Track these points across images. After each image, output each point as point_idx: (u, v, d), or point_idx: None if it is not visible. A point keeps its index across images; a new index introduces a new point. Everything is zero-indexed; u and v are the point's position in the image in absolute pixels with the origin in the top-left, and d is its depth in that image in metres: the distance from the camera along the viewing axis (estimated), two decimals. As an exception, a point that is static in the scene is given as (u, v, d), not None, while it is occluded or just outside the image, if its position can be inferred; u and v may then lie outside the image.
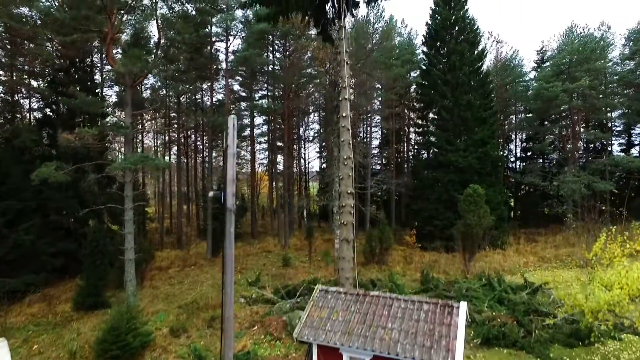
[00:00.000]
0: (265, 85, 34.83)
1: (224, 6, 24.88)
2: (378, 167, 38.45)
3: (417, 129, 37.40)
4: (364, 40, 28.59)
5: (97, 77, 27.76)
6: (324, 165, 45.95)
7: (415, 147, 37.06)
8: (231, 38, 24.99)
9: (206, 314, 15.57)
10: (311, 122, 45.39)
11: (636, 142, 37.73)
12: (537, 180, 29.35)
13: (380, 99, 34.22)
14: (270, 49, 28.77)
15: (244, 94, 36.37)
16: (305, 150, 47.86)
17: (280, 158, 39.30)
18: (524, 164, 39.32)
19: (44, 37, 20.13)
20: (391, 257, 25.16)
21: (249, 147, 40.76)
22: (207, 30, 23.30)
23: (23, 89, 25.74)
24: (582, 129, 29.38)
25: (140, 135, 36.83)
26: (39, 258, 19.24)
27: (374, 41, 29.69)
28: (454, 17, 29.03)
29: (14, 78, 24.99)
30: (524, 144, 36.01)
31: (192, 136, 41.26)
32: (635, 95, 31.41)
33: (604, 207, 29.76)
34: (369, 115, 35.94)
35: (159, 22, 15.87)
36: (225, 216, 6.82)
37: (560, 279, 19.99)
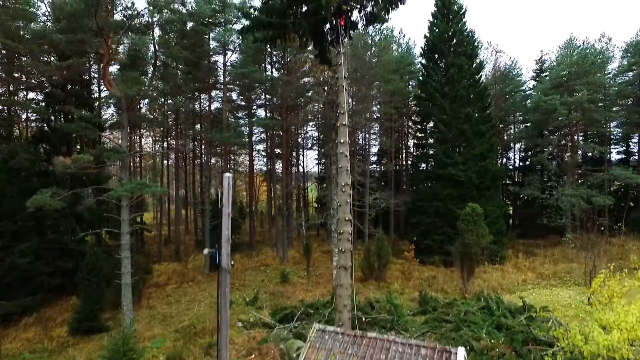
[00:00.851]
0: (264, 94, 34.77)
1: (221, 20, 24.85)
2: (376, 174, 38.44)
3: (415, 141, 37.34)
4: (362, 51, 28.46)
5: (95, 86, 27.81)
6: (323, 171, 46.08)
7: (414, 158, 36.91)
8: (229, 53, 24.90)
9: (203, 340, 15.47)
10: (310, 129, 45.37)
11: (634, 150, 37.81)
12: (536, 193, 29.30)
13: (378, 106, 34.24)
14: (269, 59, 28.66)
15: (242, 103, 36.36)
16: (304, 157, 47.81)
17: (278, 164, 39.25)
18: (522, 173, 39.36)
19: (40, 56, 19.98)
20: (389, 271, 25.10)
21: (247, 155, 40.90)
22: (204, 46, 23.15)
23: (19, 104, 25.66)
24: (580, 141, 29.29)
25: (138, 140, 36.60)
26: (36, 278, 19.13)
27: (372, 52, 29.58)
28: (452, 30, 28.98)
29: (11, 89, 24.92)
30: (523, 154, 35.99)
31: (191, 143, 41.14)
32: (633, 108, 31.45)
33: (602, 220, 29.79)
34: (368, 124, 35.78)
35: (156, 44, 15.76)
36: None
37: (559, 298, 19.96)
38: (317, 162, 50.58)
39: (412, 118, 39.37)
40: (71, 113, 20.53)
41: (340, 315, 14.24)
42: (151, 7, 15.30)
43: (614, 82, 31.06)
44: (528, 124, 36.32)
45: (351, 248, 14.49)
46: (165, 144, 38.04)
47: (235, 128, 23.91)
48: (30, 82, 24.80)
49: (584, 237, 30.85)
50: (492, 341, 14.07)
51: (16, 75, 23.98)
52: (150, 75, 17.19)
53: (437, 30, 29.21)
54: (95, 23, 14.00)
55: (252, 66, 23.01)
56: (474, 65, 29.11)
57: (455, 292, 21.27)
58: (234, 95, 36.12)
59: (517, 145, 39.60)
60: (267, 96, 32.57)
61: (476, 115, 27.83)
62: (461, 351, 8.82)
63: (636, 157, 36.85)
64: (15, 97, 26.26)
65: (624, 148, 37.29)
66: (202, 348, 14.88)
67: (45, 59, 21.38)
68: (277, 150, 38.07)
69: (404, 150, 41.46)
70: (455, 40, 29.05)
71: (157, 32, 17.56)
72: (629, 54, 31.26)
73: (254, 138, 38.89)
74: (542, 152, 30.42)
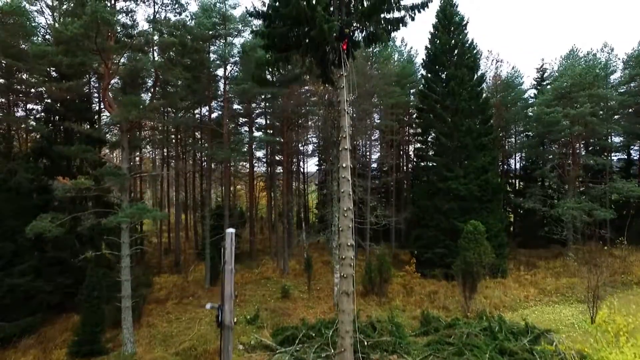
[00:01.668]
0: (264, 102, 34.62)
1: (222, 32, 24.70)
2: (377, 181, 38.26)
3: (416, 152, 37.22)
4: (362, 64, 28.27)
5: (96, 98, 27.64)
6: (322, 176, 46.00)
7: (414, 171, 36.80)
8: (229, 67, 24.78)
9: (204, 365, 15.38)
10: (310, 135, 45.19)
11: (635, 157, 37.71)
12: (538, 205, 29.19)
13: (378, 119, 34.13)
14: (269, 73, 28.47)
15: (242, 111, 36.21)
16: (304, 163, 47.69)
17: (279, 168, 39.07)
18: (523, 182, 39.24)
19: (40, 73, 19.87)
20: (390, 286, 25.00)
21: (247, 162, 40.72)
22: (204, 61, 23.01)
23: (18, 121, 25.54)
24: (582, 153, 29.17)
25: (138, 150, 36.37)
26: (36, 297, 19.01)
27: (373, 63, 29.43)
28: (453, 42, 28.88)
29: (10, 100, 24.80)
30: (524, 162, 35.81)
31: (191, 159, 40.98)
32: (633, 118, 31.39)
33: (604, 233, 29.73)
34: (369, 134, 35.62)
35: (156, 66, 15.63)
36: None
37: (562, 317, 19.86)
38: (317, 167, 50.72)
39: (413, 125, 39.37)
40: (71, 128, 20.49)
41: (342, 342, 14.13)
42: (151, 29, 15.20)
43: (616, 93, 30.87)
44: (529, 133, 36.24)
45: (353, 273, 14.38)
46: (165, 166, 37.92)
47: (236, 143, 23.73)
48: (29, 91, 24.65)
49: (585, 248, 31.03)
50: (496, 368, 13.97)
51: (16, 87, 23.91)
52: (150, 96, 17.08)
53: (438, 42, 29.09)
54: (95, 46, 13.89)
55: (252, 82, 22.83)
56: (475, 77, 29.01)
57: (457, 309, 21.17)
58: (235, 105, 36.10)
59: (518, 155, 39.47)
60: (267, 104, 32.55)
61: (477, 127, 27.73)
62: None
63: (637, 166, 36.82)
64: (15, 109, 26.24)
65: (625, 157, 37.22)
66: (203, 374, 14.79)
67: (45, 76, 21.26)
68: (278, 157, 38.01)
69: (404, 157, 41.37)
70: (456, 52, 28.94)
71: (157, 49, 17.47)
72: (631, 65, 31.19)
73: (254, 144, 38.88)
74: (544, 164, 30.29)
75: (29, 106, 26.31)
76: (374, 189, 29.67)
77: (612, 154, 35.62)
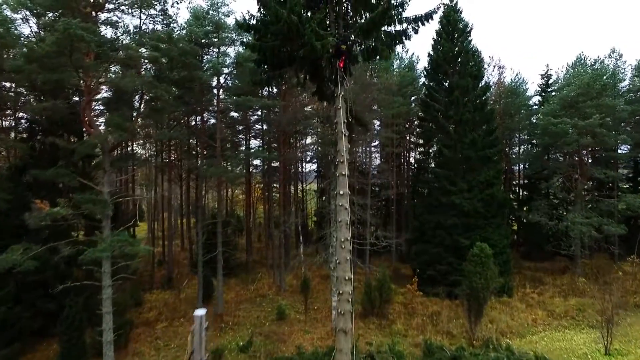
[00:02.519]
0: (260, 110, 33.48)
1: (215, 40, 23.58)
2: (376, 188, 37.10)
3: (417, 163, 36.08)
4: (361, 73, 27.11)
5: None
6: (321, 184, 44.96)
7: (415, 180, 35.63)
8: (224, 76, 23.65)
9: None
10: (309, 140, 44.05)
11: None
12: (544, 219, 28.05)
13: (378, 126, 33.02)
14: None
15: (238, 118, 35.06)
16: (303, 170, 46.54)
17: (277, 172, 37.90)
18: (527, 191, 38.07)
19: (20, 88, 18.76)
20: (391, 305, 23.91)
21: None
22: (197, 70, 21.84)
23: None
24: (590, 166, 27.99)
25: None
26: (15, 325, 17.90)
27: (371, 72, 28.29)
28: (456, 49, 27.72)
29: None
30: (526, 169, 34.53)
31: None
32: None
33: (613, 249, 28.64)
34: (368, 142, 34.50)
35: (142, 84, 14.50)
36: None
37: (573, 345, 18.74)
38: (316, 174, 49.62)
39: (415, 133, 38.26)
40: (55, 145, 19.36)
41: (340, 385, 13.05)
42: (134, 43, 14.07)
43: (623, 101, 29.67)
44: (534, 141, 35.09)
45: (351, 310, 13.27)
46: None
47: (229, 158, 22.55)
48: (18, 98, 23.43)
49: (593, 263, 29.92)
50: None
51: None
52: (136, 114, 15.98)
53: (441, 49, 27.92)
54: (71, 65, 12.79)
55: (246, 95, 21.72)
56: (480, 86, 27.87)
57: (462, 334, 20.06)
58: (232, 112, 34.95)
59: (522, 164, 38.30)
60: (264, 112, 31.41)
61: (482, 139, 26.60)
62: None
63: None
64: (3, 118, 25.10)
65: (632, 167, 36.03)
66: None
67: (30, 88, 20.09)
68: (275, 163, 36.85)
69: (405, 165, 40.21)
70: (460, 60, 27.78)
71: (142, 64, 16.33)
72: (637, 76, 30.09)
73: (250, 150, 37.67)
74: (550, 176, 29.11)
75: (19, 114, 25.16)
76: (374, 206, 28.40)
77: (619, 165, 34.48)
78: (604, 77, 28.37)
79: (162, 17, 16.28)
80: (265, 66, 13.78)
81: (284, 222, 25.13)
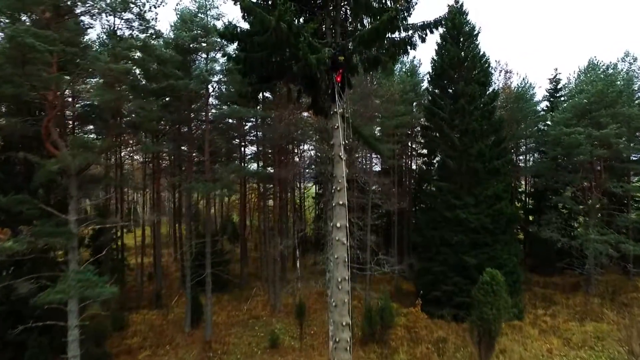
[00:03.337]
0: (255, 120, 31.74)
1: (204, 44, 21.87)
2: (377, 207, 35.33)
3: (420, 174, 34.35)
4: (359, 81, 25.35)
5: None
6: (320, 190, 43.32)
7: (417, 191, 33.95)
8: (212, 86, 21.97)
9: None
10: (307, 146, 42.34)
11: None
12: (556, 235, 26.36)
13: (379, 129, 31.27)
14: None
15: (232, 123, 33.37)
16: (300, 181, 44.97)
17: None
18: (533, 200, 36.38)
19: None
20: (393, 330, 22.25)
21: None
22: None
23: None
24: (605, 179, 26.27)
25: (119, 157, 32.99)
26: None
27: (372, 79, 26.55)
28: (462, 54, 26.03)
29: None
30: (537, 183, 32.74)
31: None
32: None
33: (630, 267, 27.03)
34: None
35: (107, 96, 12.76)
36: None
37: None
38: (314, 181, 48.02)
39: (417, 139, 36.61)
40: (27, 160, 17.65)
41: None
42: (104, 53, 12.34)
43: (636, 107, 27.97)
44: (542, 149, 33.37)
45: (350, 358, 11.60)
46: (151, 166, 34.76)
47: (218, 172, 20.81)
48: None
49: (607, 280, 28.26)
50: None
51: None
52: (110, 130, 14.29)
53: (446, 54, 26.23)
54: (25, 77, 11.09)
55: (240, 103, 19.98)
56: (487, 93, 26.20)
57: (471, 367, 18.44)
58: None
59: (529, 173, 36.58)
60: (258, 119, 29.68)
61: (490, 150, 24.93)
62: None
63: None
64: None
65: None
66: None
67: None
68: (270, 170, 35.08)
69: (407, 174, 38.49)
70: (466, 65, 26.09)
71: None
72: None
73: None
74: (562, 189, 27.38)
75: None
76: (374, 224, 26.62)
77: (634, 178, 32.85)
78: (617, 81, 26.71)
79: (139, 22, 14.53)
80: (252, 77, 12.09)
81: (280, 242, 23.37)
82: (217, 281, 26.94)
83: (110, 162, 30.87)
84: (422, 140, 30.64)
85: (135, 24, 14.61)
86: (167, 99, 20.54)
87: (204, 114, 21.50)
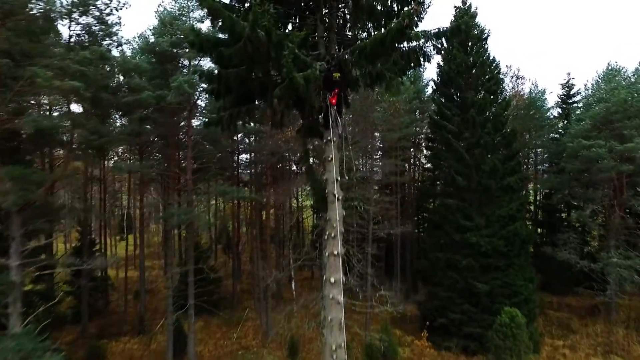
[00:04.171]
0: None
1: (186, 50, 19.67)
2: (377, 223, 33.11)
3: (424, 190, 32.11)
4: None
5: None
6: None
7: (421, 206, 31.78)
8: (195, 99, 19.76)
9: None
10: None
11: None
12: (574, 257, 24.17)
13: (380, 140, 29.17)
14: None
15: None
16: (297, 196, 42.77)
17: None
18: (543, 213, 34.14)
19: None
20: (396, 363, 20.10)
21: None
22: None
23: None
24: (630, 196, 24.05)
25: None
26: None
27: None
28: (471, 60, 23.85)
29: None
30: (552, 199, 30.36)
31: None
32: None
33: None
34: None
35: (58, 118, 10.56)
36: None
37: None
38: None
39: (421, 149, 34.54)
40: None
41: None
42: (43, 72, 10.09)
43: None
44: (555, 161, 31.10)
45: None
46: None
47: (201, 194, 18.67)
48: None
49: (630, 304, 26.10)
50: None
51: None
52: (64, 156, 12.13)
53: (453, 60, 24.01)
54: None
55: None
56: (498, 102, 24.02)
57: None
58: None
59: (541, 189, 34.29)
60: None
61: (502, 165, 22.74)
62: None
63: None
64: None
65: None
66: None
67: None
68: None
69: (411, 189, 36.31)
70: (475, 72, 23.93)
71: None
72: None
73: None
74: (583, 210, 25.13)
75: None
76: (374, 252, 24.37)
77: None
78: (638, 85, 24.56)
79: (100, 26, 12.33)
80: (228, 100, 9.87)
81: (271, 275, 21.19)
82: (207, 301, 24.81)
83: (92, 175, 28.84)
84: (426, 153, 28.44)
85: (96, 28, 12.44)
86: (144, 112, 18.28)
87: (186, 130, 19.32)
